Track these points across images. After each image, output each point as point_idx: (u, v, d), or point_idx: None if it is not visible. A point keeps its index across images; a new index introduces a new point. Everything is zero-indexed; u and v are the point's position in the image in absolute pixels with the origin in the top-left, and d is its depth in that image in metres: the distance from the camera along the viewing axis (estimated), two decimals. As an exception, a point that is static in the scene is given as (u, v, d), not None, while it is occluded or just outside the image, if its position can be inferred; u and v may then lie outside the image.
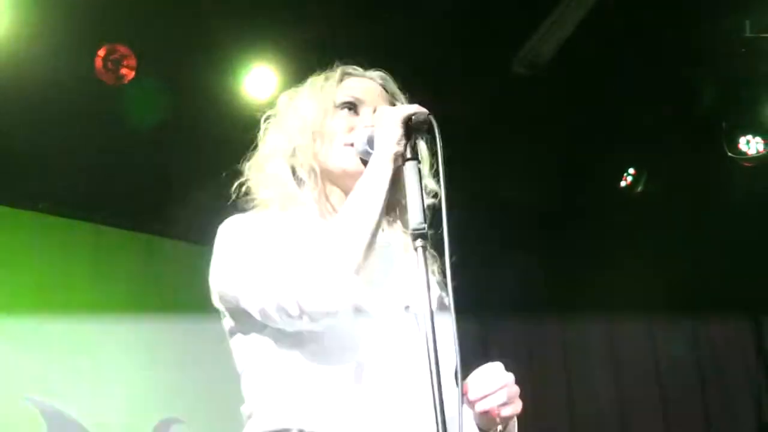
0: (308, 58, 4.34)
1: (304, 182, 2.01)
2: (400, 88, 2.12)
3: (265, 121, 2.12)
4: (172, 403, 5.27)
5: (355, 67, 2.11)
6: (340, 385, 1.82)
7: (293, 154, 2.01)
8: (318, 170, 1.98)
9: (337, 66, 2.11)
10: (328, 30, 4.46)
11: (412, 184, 1.75)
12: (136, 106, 4.60)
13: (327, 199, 1.98)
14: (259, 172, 2.06)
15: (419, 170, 1.78)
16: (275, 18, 4.55)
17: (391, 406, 1.82)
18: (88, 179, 5.17)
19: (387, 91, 2.11)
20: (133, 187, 5.18)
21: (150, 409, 5.19)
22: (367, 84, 2.09)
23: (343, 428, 1.79)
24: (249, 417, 1.88)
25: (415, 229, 1.69)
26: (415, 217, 1.70)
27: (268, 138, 2.08)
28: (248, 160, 2.08)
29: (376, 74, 2.11)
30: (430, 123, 1.80)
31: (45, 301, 5.09)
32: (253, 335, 1.88)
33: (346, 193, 1.91)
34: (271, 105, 4.76)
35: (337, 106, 2.03)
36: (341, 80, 2.08)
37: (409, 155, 1.80)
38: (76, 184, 5.17)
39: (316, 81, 2.10)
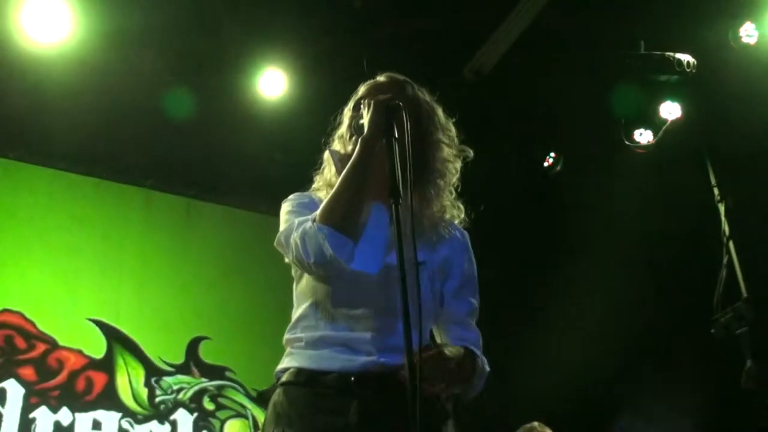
0: (314, 63, 4.75)
1: None
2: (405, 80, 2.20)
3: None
4: (200, 325, 5.43)
5: (375, 77, 2.22)
6: (342, 325, 1.97)
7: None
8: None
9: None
10: (331, 39, 4.63)
11: (389, 155, 1.86)
12: (180, 102, 4.82)
13: None
14: (323, 165, 2.23)
15: (393, 146, 1.87)
16: (285, 28, 4.68)
17: (376, 343, 1.94)
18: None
19: (398, 82, 2.18)
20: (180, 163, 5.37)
21: (184, 329, 5.41)
22: (376, 85, 2.19)
23: (332, 365, 1.94)
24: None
25: (393, 190, 1.78)
26: (390, 180, 1.80)
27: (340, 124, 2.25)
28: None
29: (384, 75, 2.21)
30: (400, 108, 1.92)
31: (107, 246, 5.35)
32: (300, 283, 2.11)
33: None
34: (281, 104, 5.13)
35: (351, 109, 2.19)
36: (359, 89, 2.22)
37: (389, 134, 1.90)
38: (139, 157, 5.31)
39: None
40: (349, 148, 2.08)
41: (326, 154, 2.21)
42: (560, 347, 5.39)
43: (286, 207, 2.13)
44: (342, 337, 1.96)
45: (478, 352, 2.05)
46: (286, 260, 2.08)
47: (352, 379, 1.89)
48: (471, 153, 2.23)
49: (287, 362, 2.02)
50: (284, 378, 1.99)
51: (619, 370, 5.15)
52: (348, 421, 1.86)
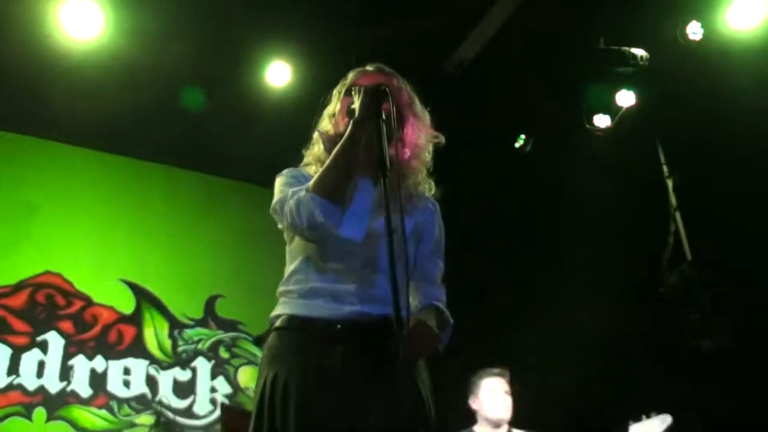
0: (318, 56, 4.76)
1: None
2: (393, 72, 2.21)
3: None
4: (216, 285, 5.59)
5: (364, 66, 2.23)
6: (329, 279, 2.00)
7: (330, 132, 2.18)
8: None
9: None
10: (332, 35, 4.66)
11: (377, 135, 1.89)
12: (197, 90, 4.96)
13: None
14: (315, 132, 2.24)
15: (380, 126, 1.90)
16: (291, 25, 4.73)
17: (361, 294, 1.98)
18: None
19: (384, 73, 2.19)
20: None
21: (203, 288, 5.57)
22: (365, 73, 2.19)
23: (321, 313, 1.97)
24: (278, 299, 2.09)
25: (379, 164, 1.83)
26: (378, 156, 1.84)
27: (326, 108, 2.25)
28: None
29: (374, 65, 2.22)
30: (388, 93, 1.96)
31: (136, 217, 5.50)
32: (292, 243, 2.13)
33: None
34: (286, 93, 4.82)
35: (344, 95, 2.18)
36: (348, 75, 2.23)
37: (376, 114, 1.93)
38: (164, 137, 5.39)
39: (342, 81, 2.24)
40: (341, 128, 2.09)
41: (315, 134, 2.22)
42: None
43: (280, 180, 2.13)
44: (329, 289, 1.99)
45: (443, 308, 2.10)
46: (280, 226, 2.11)
47: (338, 326, 1.92)
48: (443, 139, 2.25)
49: (280, 310, 2.04)
50: (278, 324, 2.02)
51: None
52: (333, 363, 1.89)
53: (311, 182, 1.99)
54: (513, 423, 3.95)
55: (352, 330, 1.93)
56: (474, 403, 3.96)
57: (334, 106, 2.21)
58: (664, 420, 3.73)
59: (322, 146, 2.17)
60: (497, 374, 3.99)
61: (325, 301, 1.98)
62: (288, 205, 1.98)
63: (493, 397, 3.90)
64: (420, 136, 2.18)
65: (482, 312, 5.06)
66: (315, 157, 2.17)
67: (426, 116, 2.25)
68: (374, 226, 2.01)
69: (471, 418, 4.00)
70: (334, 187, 1.95)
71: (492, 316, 5.36)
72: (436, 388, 2.03)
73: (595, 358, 4.87)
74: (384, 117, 1.93)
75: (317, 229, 1.95)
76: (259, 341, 4.79)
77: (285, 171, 2.16)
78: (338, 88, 2.23)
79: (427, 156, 2.21)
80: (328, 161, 1.99)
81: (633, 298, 4.84)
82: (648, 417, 3.78)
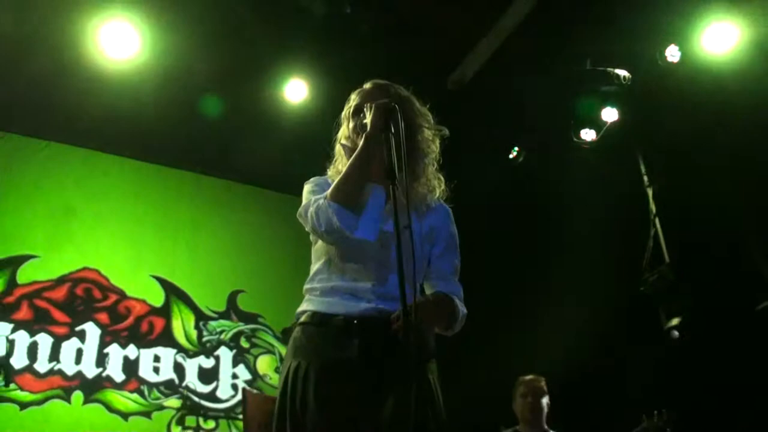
0: (332, 74, 4.81)
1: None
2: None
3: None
4: (238, 281, 5.64)
5: (367, 85, 2.22)
6: (348, 278, 2.03)
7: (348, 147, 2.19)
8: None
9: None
10: (345, 56, 4.68)
11: (387, 147, 1.89)
12: (221, 105, 4.99)
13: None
14: (335, 157, 2.24)
15: (390, 139, 1.90)
16: (307, 46, 4.80)
17: (376, 293, 2.01)
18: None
19: (381, 87, 2.18)
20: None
21: (225, 284, 5.62)
22: (368, 92, 2.20)
23: (339, 309, 2.00)
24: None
25: (388, 173, 1.84)
26: (388, 166, 1.85)
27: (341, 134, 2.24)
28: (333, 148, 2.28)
29: (369, 82, 2.23)
30: (396, 110, 1.96)
31: (165, 218, 5.57)
32: (316, 244, 2.16)
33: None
34: (303, 108, 4.84)
35: (354, 115, 2.18)
36: (351, 97, 2.23)
37: (387, 129, 1.94)
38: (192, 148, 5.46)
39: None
40: (357, 143, 2.09)
41: (338, 149, 2.23)
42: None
43: (307, 187, 2.17)
44: (348, 287, 2.02)
45: (459, 302, 2.10)
46: (306, 229, 2.11)
47: (355, 321, 1.95)
48: (447, 131, 2.25)
49: (305, 306, 2.08)
50: (302, 319, 2.05)
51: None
52: (350, 355, 1.91)
53: (329, 191, 2.02)
54: (549, 423, 4.10)
55: (368, 325, 1.95)
56: (515, 407, 4.14)
57: (346, 127, 2.21)
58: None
59: (345, 159, 2.16)
60: (528, 379, 4.14)
61: (342, 298, 2.00)
62: (310, 211, 2.02)
63: (523, 401, 4.06)
64: (424, 134, 2.18)
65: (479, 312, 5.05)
66: (337, 170, 2.16)
67: (427, 113, 2.24)
68: (386, 229, 2.01)
69: (516, 419, 4.19)
70: (348, 195, 1.98)
71: (489, 315, 5.21)
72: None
73: (584, 353, 4.93)
74: (393, 131, 1.93)
75: (334, 233, 1.97)
76: (285, 333, 5.04)
77: (312, 179, 2.19)
78: (345, 113, 2.23)
79: (435, 150, 2.20)
80: (343, 172, 2.03)
81: (617, 296, 4.91)
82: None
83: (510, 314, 5.44)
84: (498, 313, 5.39)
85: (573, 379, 4.86)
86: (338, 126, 2.27)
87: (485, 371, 4.94)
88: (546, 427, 4.05)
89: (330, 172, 2.22)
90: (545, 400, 4.05)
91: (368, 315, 1.96)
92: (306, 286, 2.12)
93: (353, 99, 2.21)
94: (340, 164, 2.18)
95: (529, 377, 4.16)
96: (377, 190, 2.07)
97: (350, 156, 2.07)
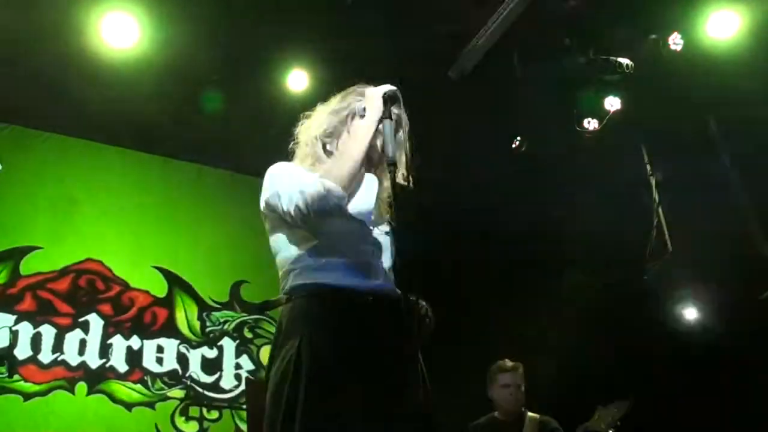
0: (331, 65, 4.77)
1: (331, 153, 2.11)
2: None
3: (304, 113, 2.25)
4: (241, 271, 5.63)
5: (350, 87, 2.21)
6: (346, 256, 1.97)
7: (326, 134, 2.14)
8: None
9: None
10: (345, 46, 4.64)
11: (388, 134, 1.91)
12: (223, 96, 4.95)
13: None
14: (305, 136, 2.18)
15: (391, 126, 1.93)
16: (309, 36, 4.75)
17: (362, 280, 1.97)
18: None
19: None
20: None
21: (229, 274, 5.62)
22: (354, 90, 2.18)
23: (350, 282, 1.94)
24: (285, 278, 2.03)
25: (388, 160, 1.86)
26: (389, 152, 1.87)
27: (314, 118, 2.20)
28: (297, 129, 2.21)
29: (361, 85, 2.18)
30: (398, 95, 1.98)
31: (168, 209, 5.54)
32: (284, 231, 2.05)
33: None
34: (304, 97, 4.78)
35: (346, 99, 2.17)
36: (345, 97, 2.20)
37: (386, 116, 1.96)
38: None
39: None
40: (347, 127, 2.09)
41: (310, 138, 2.15)
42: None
43: (281, 171, 2.05)
44: (349, 263, 1.96)
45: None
46: (281, 213, 1.97)
47: (370, 298, 1.91)
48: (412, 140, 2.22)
49: (301, 280, 1.96)
50: (306, 291, 1.94)
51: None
52: (370, 334, 1.86)
53: (326, 172, 1.96)
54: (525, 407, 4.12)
55: (381, 302, 1.92)
56: (491, 393, 4.14)
57: (330, 118, 2.15)
58: (623, 405, 3.98)
59: (319, 148, 2.12)
60: (510, 369, 4.11)
61: (346, 273, 1.93)
62: (302, 192, 1.91)
63: (505, 391, 4.06)
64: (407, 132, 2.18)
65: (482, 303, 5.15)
66: (315, 158, 2.12)
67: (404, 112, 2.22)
68: (377, 214, 2.04)
69: (492, 405, 4.19)
70: (352, 178, 1.95)
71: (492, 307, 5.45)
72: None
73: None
74: (393, 119, 1.96)
75: (332, 214, 1.92)
76: (267, 307, 4.94)
77: (280, 165, 2.09)
78: (329, 108, 2.18)
79: (409, 152, 2.17)
80: (347, 154, 1.98)
81: (618, 287, 4.98)
82: (611, 402, 4.01)
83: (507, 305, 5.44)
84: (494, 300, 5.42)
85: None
86: (304, 119, 2.23)
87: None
88: (523, 409, 4.08)
89: (299, 163, 2.14)
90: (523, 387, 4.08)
91: (380, 291, 1.93)
92: (290, 266, 2.00)
93: (338, 98, 2.18)
94: (311, 158, 2.11)
95: (509, 365, 4.11)
96: (369, 176, 2.08)
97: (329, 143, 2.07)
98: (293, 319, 1.94)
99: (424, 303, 2.11)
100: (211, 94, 5.06)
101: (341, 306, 1.89)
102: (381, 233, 2.01)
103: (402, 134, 2.11)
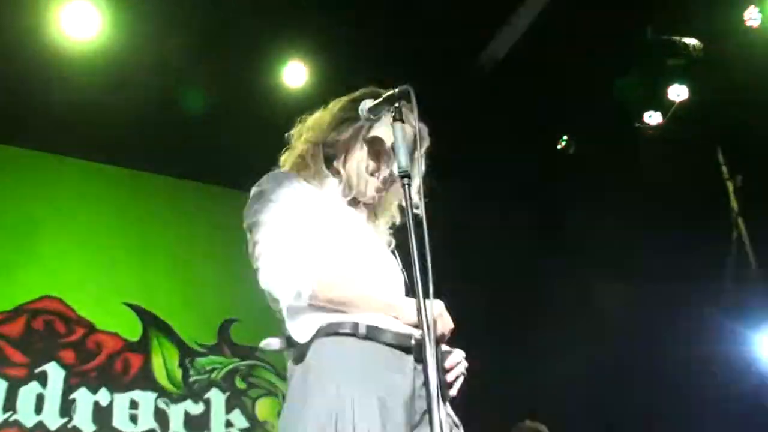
0: (331, 57, 4.65)
1: (331, 162, 2.05)
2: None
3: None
4: (230, 308, 5.24)
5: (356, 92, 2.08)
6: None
7: (329, 144, 2.05)
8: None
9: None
10: (347, 37, 4.51)
11: (399, 139, 1.76)
12: (206, 94, 4.73)
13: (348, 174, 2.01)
14: (304, 141, 2.08)
15: (402, 131, 1.77)
16: (306, 26, 4.60)
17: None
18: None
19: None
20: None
21: (215, 312, 5.24)
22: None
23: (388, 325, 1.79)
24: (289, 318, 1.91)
25: (401, 170, 1.71)
26: (401, 162, 1.72)
27: (318, 121, 2.10)
28: (293, 132, 2.13)
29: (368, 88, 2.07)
30: (410, 93, 1.79)
31: (141, 234, 5.17)
32: None
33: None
34: (302, 93, 4.81)
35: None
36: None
37: (397, 117, 1.79)
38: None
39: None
40: (347, 134, 2.00)
41: (308, 145, 2.04)
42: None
43: (271, 233, 1.87)
44: (380, 302, 1.84)
45: None
46: (275, 296, 1.85)
47: (413, 341, 1.76)
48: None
49: (327, 319, 1.79)
50: (336, 330, 1.76)
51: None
52: (408, 381, 1.73)
53: (335, 290, 1.81)
54: None
55: (419, 347, 1.72)
56: None
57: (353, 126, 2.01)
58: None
59: (321, 160, 2.02)
60: (531, 428, 4.29)
61: (375, 313, 1.80)
62: (289, 279, 1.79)
63: None
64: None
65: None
66: (316, 170, 2.02)
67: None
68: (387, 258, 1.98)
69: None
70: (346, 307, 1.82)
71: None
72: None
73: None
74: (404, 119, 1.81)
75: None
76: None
77: (267, 182, 1.99)
78: (345, 114, 2.03)
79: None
80: (353, 300, 1.81)
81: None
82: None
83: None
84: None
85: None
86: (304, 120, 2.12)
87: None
88: None
89: (295, 170, 2.04)
90: None
91: (414, 335, 1.79)
92: (296, 304, 1.81)
93: (347, 103, 2.04)
94: (311, 169, 2.02)
95: (531, 426, 4.31)
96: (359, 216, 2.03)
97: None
98: (317, 368, 1.77)
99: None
100: (191, 92, 4.80)
101: (383, 355, 1.78)
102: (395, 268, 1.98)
103: (419, 149, 1.88)
